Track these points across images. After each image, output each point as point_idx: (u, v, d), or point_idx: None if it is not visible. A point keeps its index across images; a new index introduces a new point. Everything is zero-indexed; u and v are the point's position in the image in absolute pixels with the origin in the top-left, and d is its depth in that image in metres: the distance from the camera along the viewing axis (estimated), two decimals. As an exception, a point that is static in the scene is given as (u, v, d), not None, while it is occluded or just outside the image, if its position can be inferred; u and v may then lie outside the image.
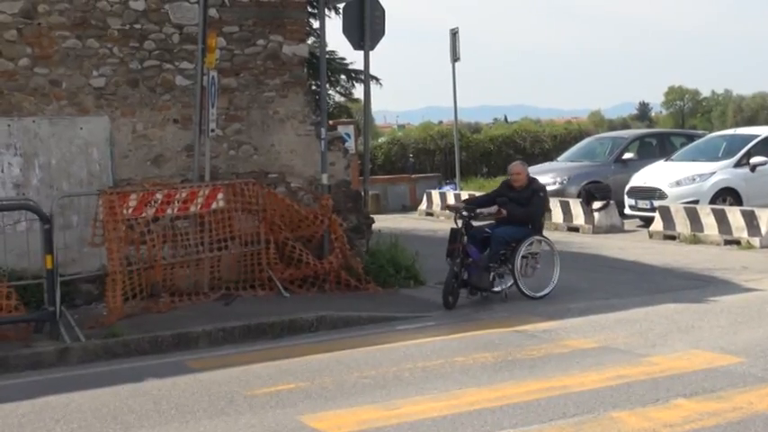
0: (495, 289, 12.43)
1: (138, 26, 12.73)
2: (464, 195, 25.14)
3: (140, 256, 11.98)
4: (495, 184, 31.21)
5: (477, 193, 25.10)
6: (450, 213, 24.82)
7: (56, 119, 12.28)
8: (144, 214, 11.87)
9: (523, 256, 12.35)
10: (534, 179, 13.01)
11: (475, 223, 12.62)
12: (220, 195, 12.57)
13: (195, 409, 7.81)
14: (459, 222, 12.24)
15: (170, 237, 12.43)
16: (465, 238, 12.13)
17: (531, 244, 12.44)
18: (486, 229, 12.44)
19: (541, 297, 12.34)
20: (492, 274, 12.22)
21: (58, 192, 12.01)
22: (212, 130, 12.55)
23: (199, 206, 12.37)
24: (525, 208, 12.47)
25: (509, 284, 12.47)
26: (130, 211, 11.68)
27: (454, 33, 26.66)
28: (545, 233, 13.22)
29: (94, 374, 9.32)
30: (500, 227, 12.41)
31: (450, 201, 25.43)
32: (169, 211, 12.14)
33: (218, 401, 8.01)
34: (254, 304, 12.05)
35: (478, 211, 12.51)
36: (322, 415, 7.43)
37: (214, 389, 8.44)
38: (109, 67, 12.59)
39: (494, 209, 12.47)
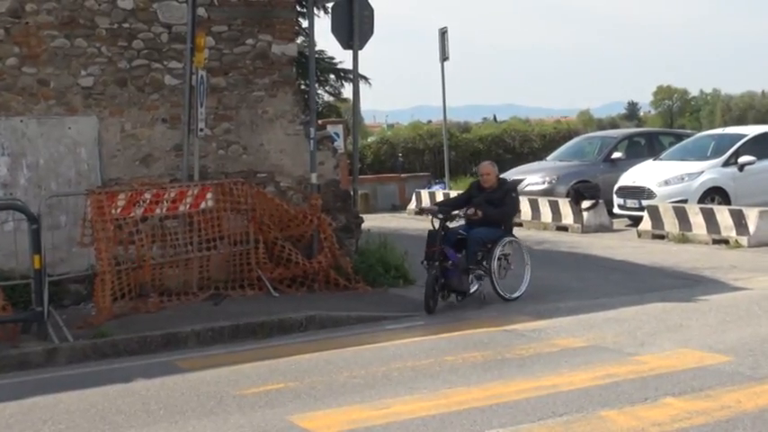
0: (471, 291, 12.24)
1: (126, 25, 12.70)
2: (453, 194, 25.22)
3: (129, 255, 11.95)
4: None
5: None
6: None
7: (44, 118, 12.25)
8: (132, 214, 11.84)
9: (498, 258, 12.18)
10: (504, 179, 13.05)
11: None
12: (209, 195, 12.54)
13: (184, 409, 7.80)
14: (437, 224, 12.05)
15: (159, 236, 12.41)
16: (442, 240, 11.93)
17: (504, 245, 12.29)
18: (461, 231, 12.17)
19: (515, 298, 12.25)
20: (470, 276, 12.06)
21: (46, 191, 11.98)
22: (201, 130, 12.53)
23: (188, 206, 12.34)
24: (499, 208, 12.31)
25: (481, 287, 12.29)
26: (119, 210, 11.65)
27: (443, 33, 26.68)
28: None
29: (83, 375, 9.29)
30: (474, 228, 12.15)
31: (440, 200, 25.47)
32: (158, 210, 12.12)
33: (208, 401, 7.99)
34: (243, 304, 12.03)
35: (455, 212, 12.32)
36: (311, 415, 7.42)
37: (203, 389, 8.42)
38: (97, 66, 12.55)
39: (470, 210, 12.15)
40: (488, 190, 12.40)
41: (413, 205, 26.65)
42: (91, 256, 11.55)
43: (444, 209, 12.33)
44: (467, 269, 11.94)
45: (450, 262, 11.74)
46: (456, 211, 12.36)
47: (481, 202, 12.23)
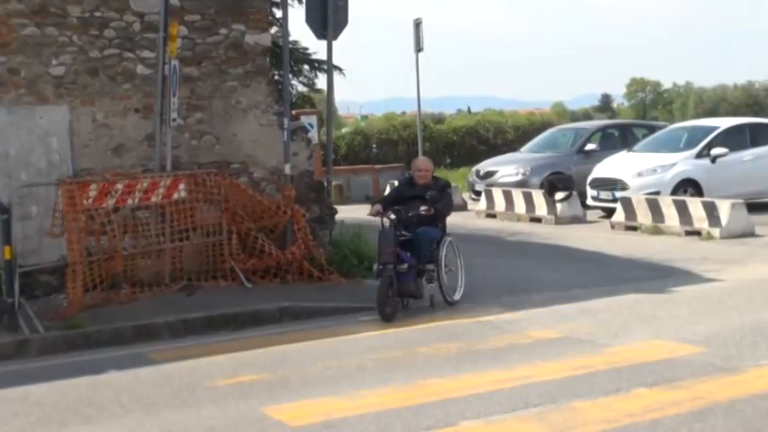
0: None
1: (98, 14, 12.59)
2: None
3: (101, 246, 11.86)
4: (458, 175, 31.41)
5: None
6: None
7: (14, 108, 12.12)
8: (104, 204, 11.75)
9: (442, 258, 11.52)
10: (437, 176, 12.23)
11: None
12: (182, 185, 12.48)
13: (156, 401, 7.75)
14: (386, 223, 11.25)
15: (131, 227, 12.33)
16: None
17: (446, 245, 11.67)
18: (404, 232, 11.16)
19: (457, 301, 11.56)
20: (424, 278, 11.40)
21: (17, 182, 11.86)
22: (174, 120, 12.45)
23: (160, 196, 12.27)
24: (446, 201, 11.73)
25: (431, 290, 11.50)
26: (91, 201, 11.56)
27: (418, 24, 26.67)
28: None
29: (54, 366, 9.22)
30: (420, 227, 11.35)
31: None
32: (130, 201, 12.04)
33: (180, 393, 7.95)
34: (216, 295, 11.98)
35: (411, 213, 11.34)
36: (285, 406, 7.39)
37: (176, 380, 8.38)
38: (68, 55, 12.44)
39: (424, 207, 11.28)
40: (421, 187, 11.67)
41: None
42: (62, 246, 11.45)
43: (397, 208, 11.38)
44: (421, 271, 11.28)
45: (405, 265, 10.91)
46: (413, 212, 11.37)
47: (427, 199, 11.43)
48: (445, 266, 11.51)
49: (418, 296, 11.25)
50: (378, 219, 11.25)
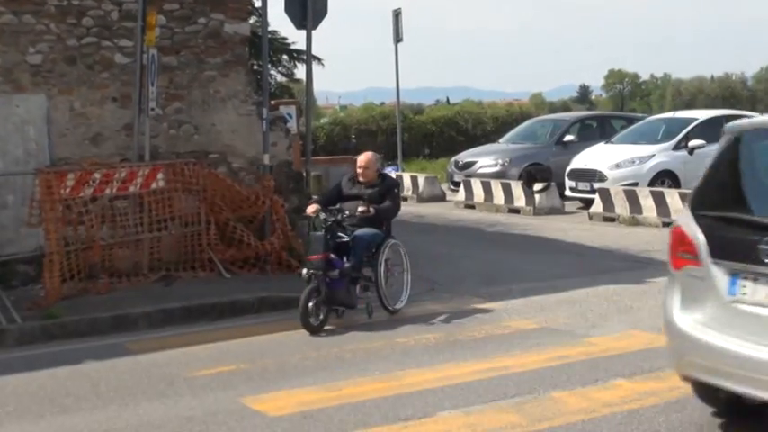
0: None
1: (75, 2, 12.48)
2: (405, 177, 25.24)
3: (78, 236, 11.80)
4: (437, 165, 31.43)
5: (419, 176, 25.22)
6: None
7: (-9, 96, 12.03)
8: (82, 194, 11.69)
9: (382, 263, 10.46)
10: (385, 174, 11.15)
11: None
12: (160, 175, 12.42)
13: (134, 391, 7.73)
14: (317, 225, 10.26)
15: (109, 217, 12.27)
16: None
17: (387, 249, 10.57)
18: (340, 234, 10.20)
19: (399, 310, 10.55)
20: (357, 286, 10.35)
21: (-6, 170, 11.78)
22: (152, 109, 12.39)
23: (138, 186, 12.21)
24: (389, 204, 10.63)
25: (368, 298, 10.46)
26: (68, 190, 11.50)
27: (397, 14, 26.63)
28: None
29: (31, 357, 9.17)
30: (358, 229, 10.32)
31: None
32: (108, 191, 11.98)
33: (158, 383, 7.93)
34: (194, 285, 11.94)
35: (348, 213, 10.31)
36: (263, 396, 7.39)
37: (154, 371, 8.36)
38: (46, 43, 12.35)
39: (362, 207, 10.26)
40: (366, 185, 10.65)
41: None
42: (39, 236, 11.39)
43: (333, 209, 10.33)
44: (354, 278, 10.23)
45: (335, 271, 9.87)
46: (349, 212, 10.35)
47: (365, 198, 10.47)
48: (386, 272, 10.49)
49: (350, 305, 10.18)
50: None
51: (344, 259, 10.06)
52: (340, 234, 10.17)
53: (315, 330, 9.60)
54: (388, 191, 10.68)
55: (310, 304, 9.65)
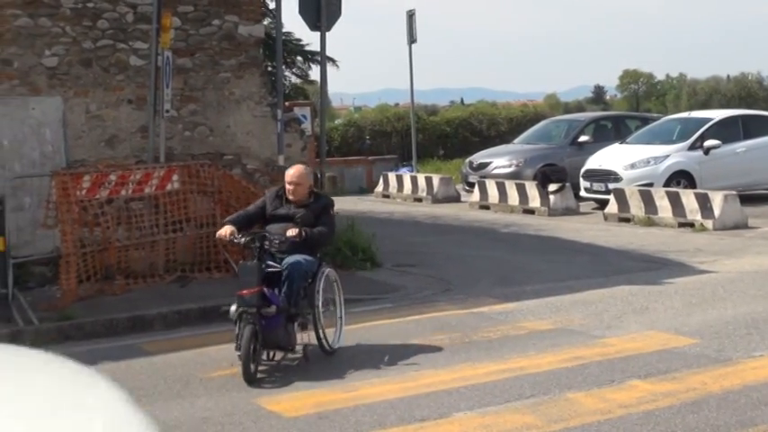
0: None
1: (90, 5, 12.55)
2: (420, 178, 25.24)
3: (94, 238, 11.85)
4: (451, 166, 31.42)
5: (434, 177, 25.21)
6: (407, 194, 25.06)
7: (7, 99, 12.09)
8: (98, 196, 11.74)
9: (320, 294, 8.77)
10: (318, 192, 9.34)
11: None
12: (175, 177, 12.46)
13: (151, 392, 7.75)
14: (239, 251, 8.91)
15: (124, 219, 12.32)
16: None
17: (323, 278, 8.85)
18: (269, 262, 8.47)
19: (336, 349, 8.87)
20: (296, 324, 8.59)
21: (10, 173, 11.84)
22: (167, 111, 12.43)
23: (153, 188, 12.25)
24: (319, 229, 8.73)
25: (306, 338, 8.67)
26: (84, 192, 11.55)
27: (411, 15, 26.60)
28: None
29: (48, 358, 9.19)
30: (289, 256, 8.53)
31: (407, 184, 25.48)
32: (123, 192, 12.02)
33: (174, 384, 7.95)
34: (209, 286, 11.96)
35: (278, 239, 8.47)
36: (278, 398, 7.40)
37: (169, 372, 8.38)
38: (61, 46, 12.41)
39: (292, 231, 8.45)
40: (296, 204, 8.82)
41: (380, 188, 26.67)
42: (56, 238, 11.44)
43: (262, 233, 8.55)
44: (294, 315, 8.51)
45: (272, 307, 8.20)
46: (275, 236, 8.51)
47: (297, 220, 8.68)
48: (323, 306, 8.74)
49: (288, 347, 8.53)
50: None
51: (276, 292, 8.35)
52: (269, 263, 8.44)
53: (253, 380, 7.92)
54: (323, 211, 8.86)
55: (255, 346, 8.03)
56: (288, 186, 8.83)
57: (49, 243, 11.77)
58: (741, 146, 20.33)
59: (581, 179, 20.84)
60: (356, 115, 50.92)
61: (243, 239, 8.48)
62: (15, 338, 9.84)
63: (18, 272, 10.95)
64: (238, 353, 8.04)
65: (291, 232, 8.42)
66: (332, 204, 9.17)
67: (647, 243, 15.41)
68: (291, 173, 8.87)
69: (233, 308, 8.25)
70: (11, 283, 10.29)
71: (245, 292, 8.16)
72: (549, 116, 37.63)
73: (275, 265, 8.46)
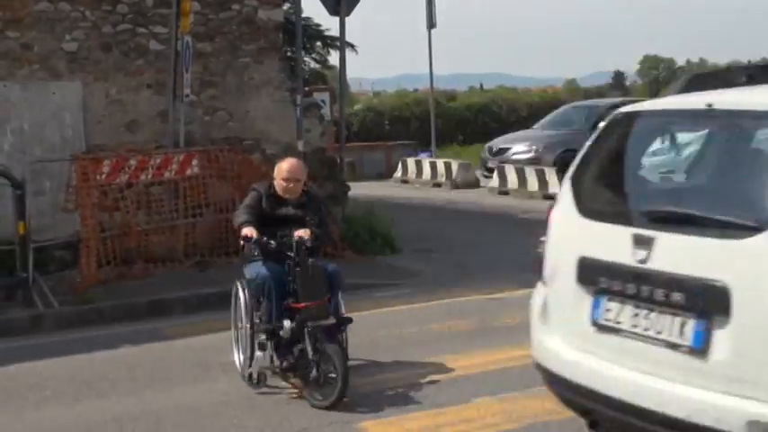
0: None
1: (110, -11, 12.56)
2: (439, 164, 25.17)
3: (114, 222, 11.89)
4: (470, 151, 31.33)
5: (453, 162, 25.14)
6: (426, 179, 25.01)
7: (28, 83, 12.13)
8: (118, 180, 11.77)
9: None
10: (309, 188, 8.06)
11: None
12: (195, 161, 12.47)
13: (170, 375, 7.78)
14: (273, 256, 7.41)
15: (144, 203, 12.35)
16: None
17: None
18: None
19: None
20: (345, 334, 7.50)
21: (31, 157, 11.87)
22: (187, 96, 12.44)
23: (173, 172, 12.27)
24: (322, 228, 7.64)
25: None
26: (104, 176, 11.58)
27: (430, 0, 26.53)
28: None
29: (68, 342, 9.25)
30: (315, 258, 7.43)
31: (426, 169, 25.42)
32: (143, 177, 12.05)
33: (193, 368, 7.98)
34: (229, 271, 11.88)
35: (294, 242, 7.28)
36: (297, 381, 7.39)
37: (189, 356, 8.41)
38: (81, 30, 12.42)
39: (302, 232, 7.33)
40: (293, 202, 7.70)
41: (399, 173, 26.64)
42: (76, 222, 11.48)
43: (282, 235, 7.41)
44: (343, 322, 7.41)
45: (330, 318, 7.23)
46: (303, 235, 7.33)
47: (310, 221, 7.50)
48: None
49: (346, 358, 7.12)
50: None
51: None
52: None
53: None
54: (318, 209, 7.81)
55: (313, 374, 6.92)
56: (282, 183, 7.66)
57: (69, 227, 11.81)
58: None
59: (601, 165, 20.70)
60: (375, 100, 50.89)
61: (273, 244, 7.32)
62: (36, 322, 9.91)
63: (38, 256, 10.99)
64: (294, 381, 7.16)
65: (304, 233, 7.30)
66: (324, 200, 8.48)
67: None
68: (287, 168, 7.70)
69: (286, 324, 7.06)
70: (31, 267, 10.34)
71: (311, 303, 7.06)
72: (568, 102, 37.50)
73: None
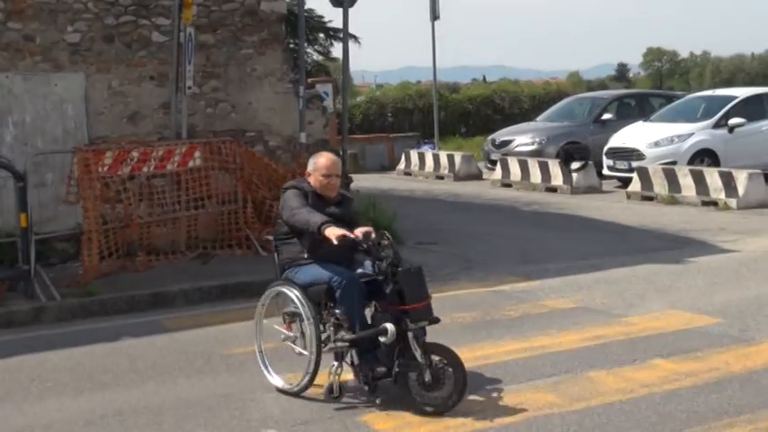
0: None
1: (113, -19, 12.54)
2: (442, 156, 25.16)
3: (116, 214, 11.88)
4: (473, 144, 31.32)
5: (456, 154, 25.12)
6: (429, 171, 25.00)
7: (30, 75, 12.11)
8: (120, 172, 11.75)
9: None
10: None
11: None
12: (197, 153, 12.46)
13: (172, 368, 7.77)
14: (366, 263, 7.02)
15: (146, 195, 12.34)
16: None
17: None
18: (359, 270, 6.97)
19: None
20: None
21: (33, 149, 11.87)
22: (189, 88, 12.42)
23: (175, 164, 12.26)
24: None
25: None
26: (106, 169, 11.56)
27: (434, -8, 26.50)
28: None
29: (70, 334, 9.25)
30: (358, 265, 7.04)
31: (429, 161, 25.42)
32: (145, 169, 12.03)
33: (195, 361, 7.97)
34: (231, 263, 11.98)
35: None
36: (300, 374, 7.38)
37: (191, 348, 8.40)
38: (84, 22, 12.40)
39: (363, 231, 6.90)
40: (334, 201, 7.19)
41: (402, 165, 26.62)
42: (78, 214, 11.47)
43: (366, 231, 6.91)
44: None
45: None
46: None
47: (352, 224, 7.08)
48: None
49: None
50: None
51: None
52: (360, 270, 6.99)
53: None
54: (350, 206, 7.48)
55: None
56: (322, 179, 7.09)
57: (71, 219, 11.81)
58: (766, 124, 20.11)
59: (604, 157, 20.71)
60: (378, 93, 50.82)
61: (368, 242, 6.82)
62: (38, 314, 9.90)
63: (40, 248, 10.99)
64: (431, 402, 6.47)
65: (368, 231, 6.90)
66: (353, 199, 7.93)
67: (669, 222, 15.31)
68: (326, 163, 7.11)
69: (390, 327, 6.51)
70: (33, 260, 10.33)
71: (418, 305, 6.64)
72: (571, 94, 37.44)
73: (369, 273, 6.93)
